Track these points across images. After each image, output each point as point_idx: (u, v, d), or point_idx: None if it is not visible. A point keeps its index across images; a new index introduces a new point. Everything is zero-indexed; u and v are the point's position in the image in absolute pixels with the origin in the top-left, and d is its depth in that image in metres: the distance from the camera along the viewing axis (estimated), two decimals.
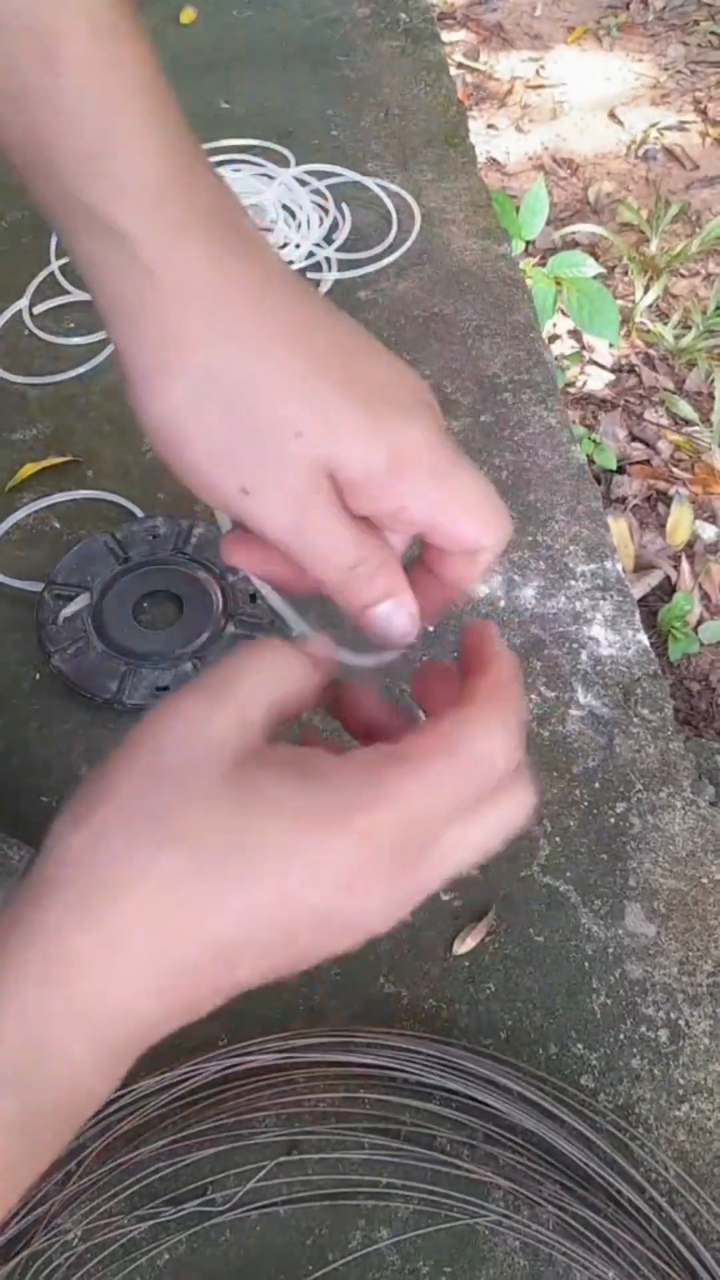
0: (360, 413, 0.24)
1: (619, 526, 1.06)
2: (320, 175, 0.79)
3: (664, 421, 1.22)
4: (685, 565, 1.06)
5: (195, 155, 0.25)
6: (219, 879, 0.19)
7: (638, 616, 0.54)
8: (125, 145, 0.24)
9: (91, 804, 0.20)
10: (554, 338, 1.32)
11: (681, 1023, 0.41)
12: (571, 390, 1.26)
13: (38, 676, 0.51)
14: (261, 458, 0.24)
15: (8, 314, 0.69)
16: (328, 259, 0.73)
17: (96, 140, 0.23)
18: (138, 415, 0.25)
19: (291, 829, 0.20)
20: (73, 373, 0.66)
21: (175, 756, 0.20)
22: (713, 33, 1.82)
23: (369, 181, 0.79)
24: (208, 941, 0.19)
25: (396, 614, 0.26)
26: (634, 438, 1.20)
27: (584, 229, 1.43)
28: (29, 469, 0.60)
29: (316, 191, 0.78)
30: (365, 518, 0.25)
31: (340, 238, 0.75)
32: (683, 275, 1.43)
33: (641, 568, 1.06)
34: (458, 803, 0.21)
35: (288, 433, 0.23)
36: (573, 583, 0.56)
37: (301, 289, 0.25)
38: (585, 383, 1.28)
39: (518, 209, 1.04)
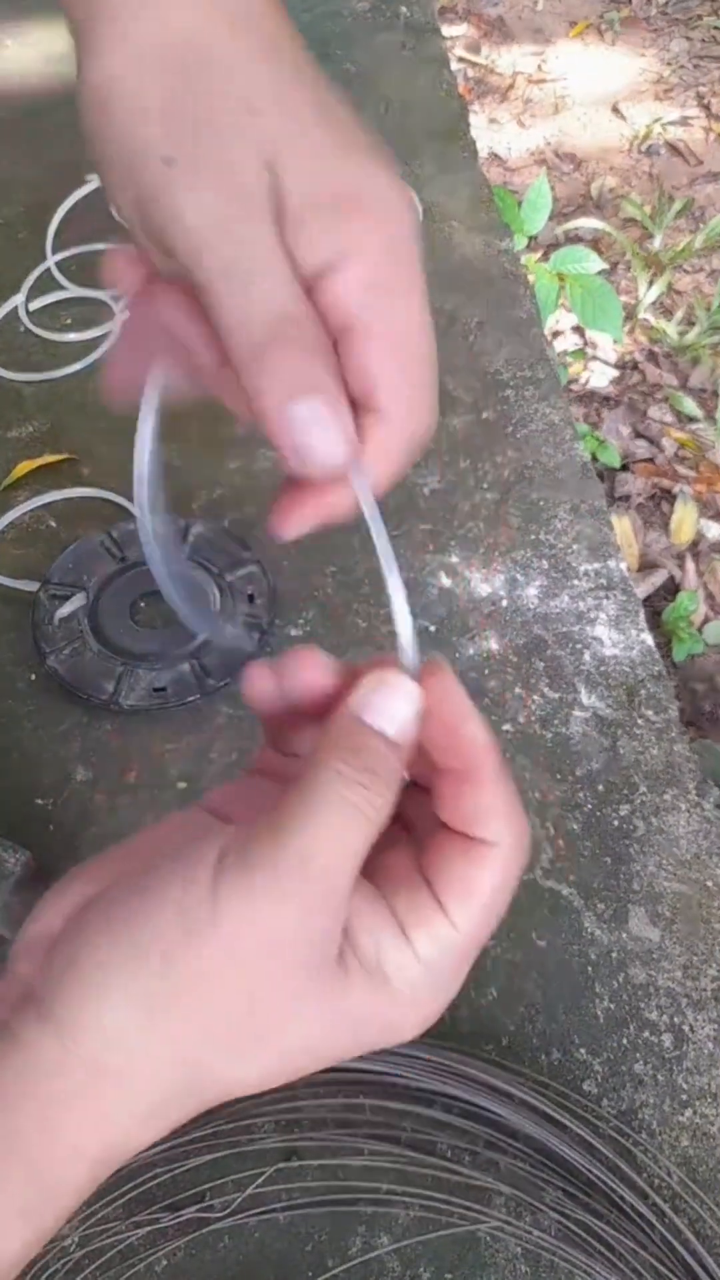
0: (329, 134, 0.20)
1: (623, 525, 1.05)
2: None
3: (668, 419, 1.22)
4: (690, 564, 1.05)
5: None
6: (289, 1064, 0.19)
7: (642, 616, 0.54)
8: None
9: (166, 994, 0.18)
10: (557, 334, 1.31)
11: (685, 1028, 0.41)
12: (575, 387, 1.26)
13: (33, 677, 0.51)
14: (201, 128, 0.19)
15: (4, 310, 0.68)
16: None
17: None
18: (79, 91, 0.20)
19: (370, 1033, 0.20)
20: (69, 369, 0.65)
21: (271, 966, 0.18)
22: (716, 28, 1.81)
23: None
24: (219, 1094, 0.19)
25: (320, 425, 0.19)
26: (638, 435, 1.20)
27: (587, 224, 1.42)
28: (25, 467, 0.60)
29: None
30: None
31: None
32: (686, 271, 1.42)
33: (645, 567, 1.05)
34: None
35: (240, 108, 0.19)
36: (576, 582, 0.55)
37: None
38: (589, 379, 1.27)
39: (520, 204, 1.03)
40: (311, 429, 0.19)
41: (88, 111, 0.20)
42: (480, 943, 0.20)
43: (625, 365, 1.29)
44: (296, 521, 0.22)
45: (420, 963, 0.19)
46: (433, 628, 0.53)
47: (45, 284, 0.69)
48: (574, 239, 1.41)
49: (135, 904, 0.18)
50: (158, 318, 0.20)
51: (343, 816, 0.18)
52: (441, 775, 0.20)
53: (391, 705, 0.19)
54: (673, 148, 1.61)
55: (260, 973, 0.18)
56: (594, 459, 1.10)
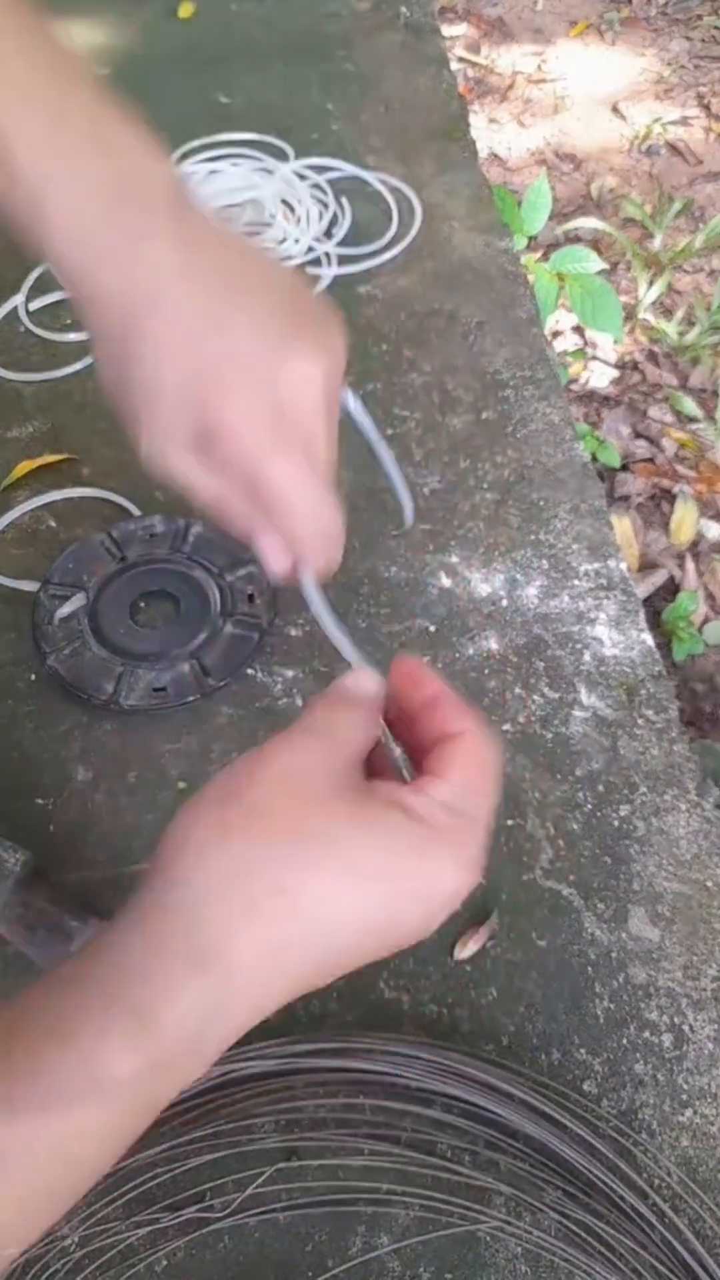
0: (254, 359, 0.29)
1: (623, 525, 1.05)
2: (320, 170, 0.79)
3: (668, 419, 1.22)
4: (690, 564, 1.05)
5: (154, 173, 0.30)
6: (358, 889, 0.24)
7: (642, 616, 0.54)
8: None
9: (237, 818, 0.25)
10: (557, 334, 1.31)
11: (685, 1028, 0.41)
12: (575, 387, 1.26)
13: (33, 677, 0.51)
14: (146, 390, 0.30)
15: (3, 310, 0.68)
16: (327, 254, 0.73)
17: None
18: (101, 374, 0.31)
19: (411, 855, 0.25)
20: (69, 369, 0.65)
21: (306, 785, 0.25)
22: (716, 28, 1.81)
23: (369, 176, 0.78)
24: (341, 946, 0.24)
25: (273, 550, 0.32)
26: (638, 435, 1.20)
27: (587, 224, 1.42)
28: (24, 467, 0.60)
29: (316, 186, 0.77)
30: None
31: (340, 233, 0.74)
32: (686, 271, 1.42)
33: (645, 567, 1.05)
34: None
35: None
36: (576, 582, 0.55)
37: (211, 228, 0.31)
38: (588, 379, 1.27)
39: (520, 204, 1.03)
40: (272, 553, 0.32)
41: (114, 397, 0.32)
42: (488, 796, 0.26)
43: (625, 365, 1.29)
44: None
45: (436, 802, 0.25)
46: (433, 627, 0.53)
47: (45, 284, 0.69)
48: (574, 239, 1.41)
49: (217, 780, 0.26)
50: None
51: (350, 712, 0.27)
52: (417, 717, 0.28)
53: (362, 680, 0.29)
54: (673, 148, 1.61)
55: (301, 791, 0.25)
56: (594, 459, 1.10)
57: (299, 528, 0.30)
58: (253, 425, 0.29)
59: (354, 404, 0.33)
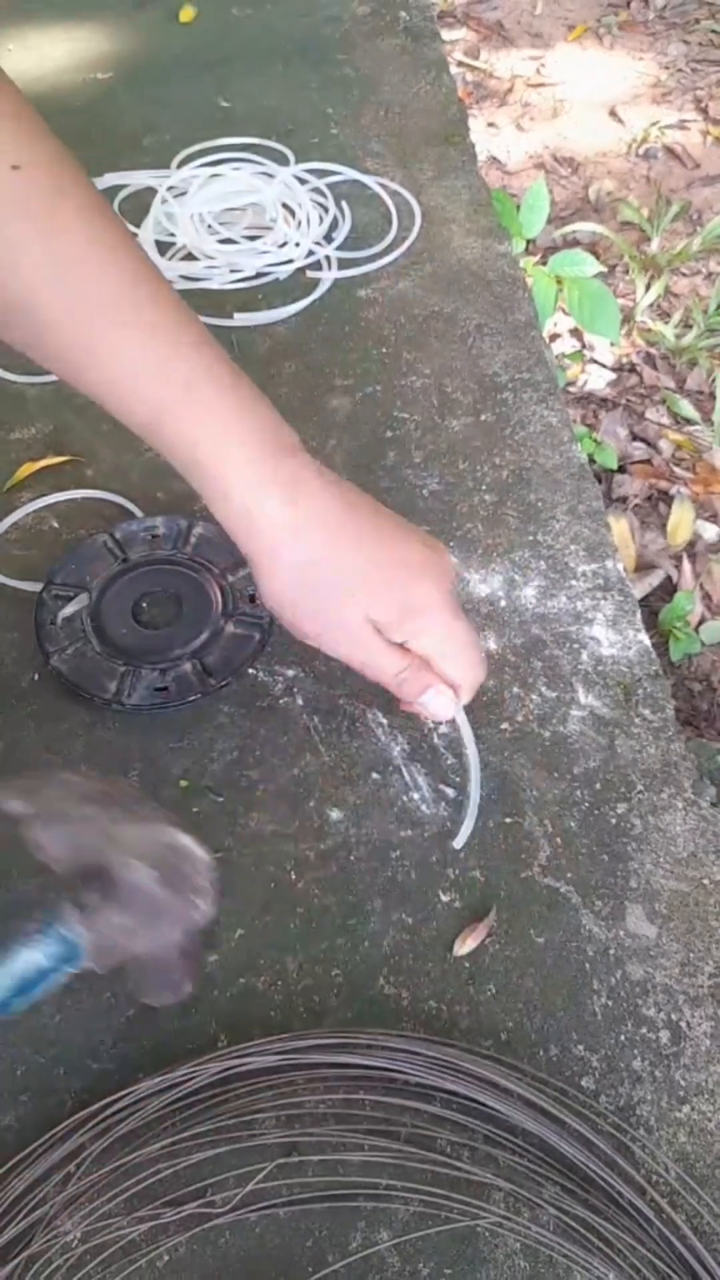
0: (384, 579, 0.40)
1: (620, 526, 1.06)
2: (320, 174, 0.79)
3: (665, 421, 1.22)
4: (686, 565, 1.05)
5: (274, 432, 0.40)
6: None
7: (639, 616, 0.54)
8: (238, 451, 0.39)
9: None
10: (555, 336, 1.32)
11: (683, 1024, 0.41)
12: (572, 389, 1.26)
13: (36, 677, 0.51)
14: (326, 617, 0.40)
15: None
16: (328, 258, 0.73)
17: (224, 449, 0.39)
18: (259, 590, 0.41)
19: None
20: None
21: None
22: (713, 31, 1.82)
23: (369, 180, 0.79)
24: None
25: (435, 699, 0.42)
26: (635, 437, 1.20)
27: (585, 228, 1.43)
28: (28, 468, 0.60)
29: (316, 190, 0.78)
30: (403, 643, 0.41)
31: (340, 236, 0.75)
32: (684, 274, 1.43)
33: (642, 567, 1.05)
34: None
35: (340, 602, 0.39)
36: (573, 582, 0.55)
37: (337, 488, 0.40)
38: (586, 382, 1.28)
39: (518, 207, 1.03)
40: (434, 704, 0.43)
41: (273, 610, 0.42)
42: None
43: (623, 368, 1.29)
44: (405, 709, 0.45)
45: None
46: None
47: None
48: (572, 242, 1.42)
49: None
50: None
51: None
52: None
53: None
54: (670, 151, 1.62)
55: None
56: (591, 460, 1.10)
57: (459, 683, 0.42)
58: (356, 655, 0.41)
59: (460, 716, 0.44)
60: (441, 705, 0.42)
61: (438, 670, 0.41)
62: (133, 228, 0.75)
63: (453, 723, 0.45)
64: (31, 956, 0.27)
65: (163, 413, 0.37)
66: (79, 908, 0.27)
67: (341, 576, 0.39)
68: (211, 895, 0.29)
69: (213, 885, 0.30)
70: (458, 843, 0.44)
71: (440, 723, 0.44)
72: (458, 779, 0.48)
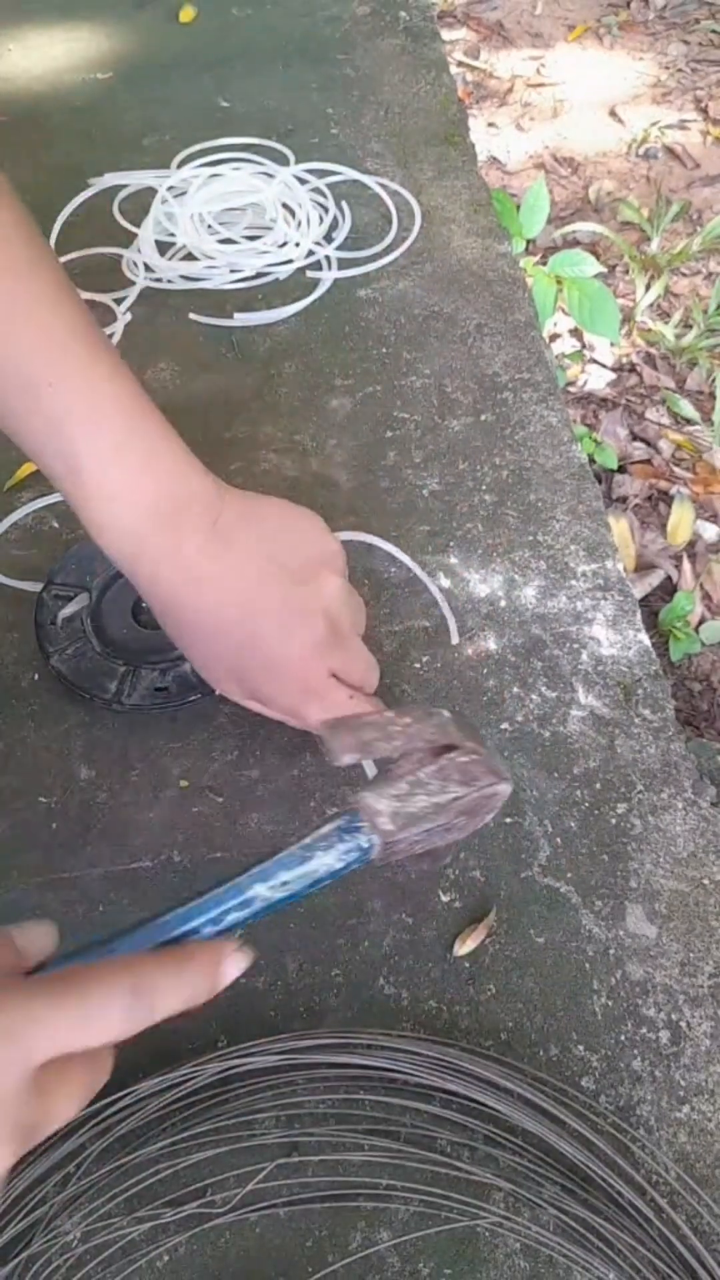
0: (307, 609, 0.40)
1: (620, 526, 1.05)
2: (320, 174, 0.79)
3: (665, 421, 1.22)
4: (686, 565, 1.05)
5: (181, 496, 0.39)
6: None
7: (639, 616, 0.54)
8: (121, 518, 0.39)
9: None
10: (555, 337, 1.32)
11: (683, 1024, 0.41)
12: (572, 389, 1.26)
13: (36, 676, 0.51)
14: (278, 667, 0.41)
15: None
16: (327, 258, 0.73)
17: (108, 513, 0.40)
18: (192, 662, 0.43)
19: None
20: None
21: None
22: (714, 31, 1.82)
23: (369, 180, 0.79)
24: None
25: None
26: (635, 437, 1.20)
27: (585, 228, 1.43)
28: (28, 468, 0.60)
29: (316, 190, 0.78)
30: None
31: (340, 236, 0.75)
32: (684, 274, 1.43)
33: (642, 567, 1.05)
34: None
35: (284, 639, 0.40)
36: (573, 582, 0.55)
37: (234, 517, 0.40)
38: (586, 382, 1.28)
39: (518, 207, 1.03)
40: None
41: (212, 677, 0.43)
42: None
43: (623, 368, 1.29)
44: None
45: None
46: (429, 624, 0.53)
47: None
48: (572, 242, 1.42)
49: None
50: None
51: None
52: None
53: None
54: (670, 151, 1.61)
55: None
56: (591, 460, 1.10)
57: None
58: (284, 688, 0.40)
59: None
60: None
61: (342, 680, 0.42)
62: (132, 227, 0.75)
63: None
64: (327, 860, 0.30)
65: (60, 475, 0.38)
66: (380, 830, 0.30)
67: (225, 641, 0.39)
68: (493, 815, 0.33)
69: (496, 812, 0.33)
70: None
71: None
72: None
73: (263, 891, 0.29)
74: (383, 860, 0.30)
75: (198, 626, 0.40)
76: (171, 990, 0.25)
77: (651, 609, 1.00)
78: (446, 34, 1.77)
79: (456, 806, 0.32)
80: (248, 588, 0.39)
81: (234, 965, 0.27)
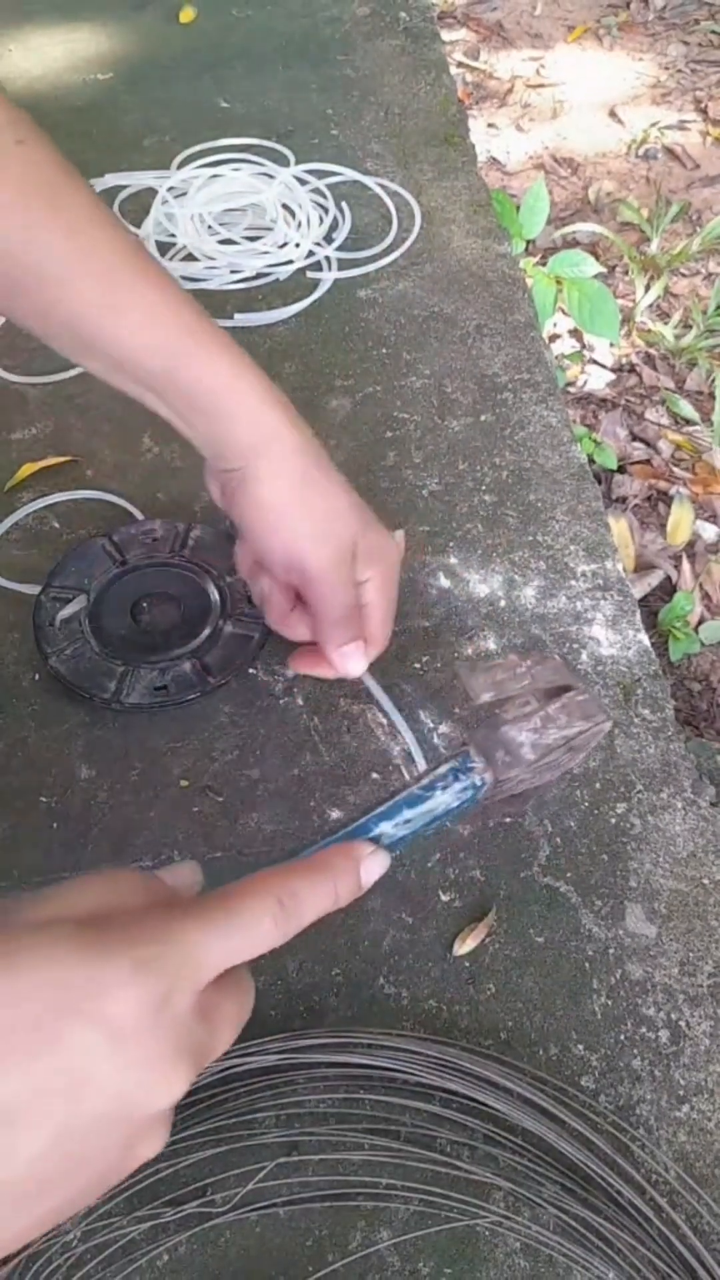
0: (364, 519, 0.43)
1: (619, 526, 1.06)
2: (320, 174, 0.79)
3: (665, 421, 1.22)
4: (686, 565, 1.05)
5: (276, 396, 0.41)
6: None
7: (638, 616, 0.54)
8: (251, 373, 0.41)
9: None
10: (554, 337, 1.32)
11: (682, 1024, 0.41)
12: (572, 390, 1.26)
13: (36, 677, 0.51)
14: (325, 525, 0.41)
15: None
16: (328, 258, 0.73)
17: (240, 370, 0.41)
18: (249, 501, 0.41)
19: None
20: (72, 372, 0.66)
21: None
22: (713, 32, 1.82)
23: (369, 180, 0.79)
24: None
25: (355, 651, 0.43)
26: (635, 437, 1.20)
27: (584, 228, 1.43)
28: (28, 469, 0.60)
29: (316, 190, 0.78)
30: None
31: (340, 237, 0.75)
32: (683, 274, 1.43)
33: (642, 567, 1.05)
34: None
35: (340, 516, 0.42)
36: (573, 582, 0.55)
37: (325, 468, 0.42)
38: (586, 382, 1.28)
39: (518, 208, 1.04)
40: (353, 657, 0.44)
41: (256, 521, 0.41)
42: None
43: (622, 368, 1.29)
44: (309, 669, 0.46)
45: None
46: (431, 627, 0.53)
47: None
48: (571, 243, 1.42)
49: None
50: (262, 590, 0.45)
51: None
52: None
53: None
54: (670, 152, 1.62)
55: None
56: (591, 461, 1.10)
57: (374, 634, 0.44)
58: (335, 570, 0.41)
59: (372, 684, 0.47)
60: (358, 660, 0.44)
61: (365, 620, 0.43)
62: (133, 228, 0.75)
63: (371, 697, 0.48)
64: (444, 799, 0.32)
65: (177, 355, 0.39)
66: (493, 764, 0.33)
67: (339, 497, 0.42)
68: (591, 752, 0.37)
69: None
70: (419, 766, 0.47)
71: (346, 677, 0.45)
72: None
73: (388, 829, 0.31)
74: (488, 799, 0.33)
75: (269, 489, 0.41)
76: (315, 896, 0.26)
77: (651, 609, 1.00)
78: (446, 34, 1.77)
79: (572, 742, 0.34)
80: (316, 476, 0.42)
81: (374, 865, 0.28)
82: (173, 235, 0.74)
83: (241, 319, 0.69)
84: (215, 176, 0.77)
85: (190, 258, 0.73)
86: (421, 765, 0.46)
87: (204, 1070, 0.35)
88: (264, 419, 0.40)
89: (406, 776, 0.46)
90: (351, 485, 0.43)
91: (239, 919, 0.24)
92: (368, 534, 0.42)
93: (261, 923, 0.24)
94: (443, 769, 0.33)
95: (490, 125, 1.67)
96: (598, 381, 1.27)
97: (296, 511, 0.41)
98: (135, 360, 0.39)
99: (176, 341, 0.39)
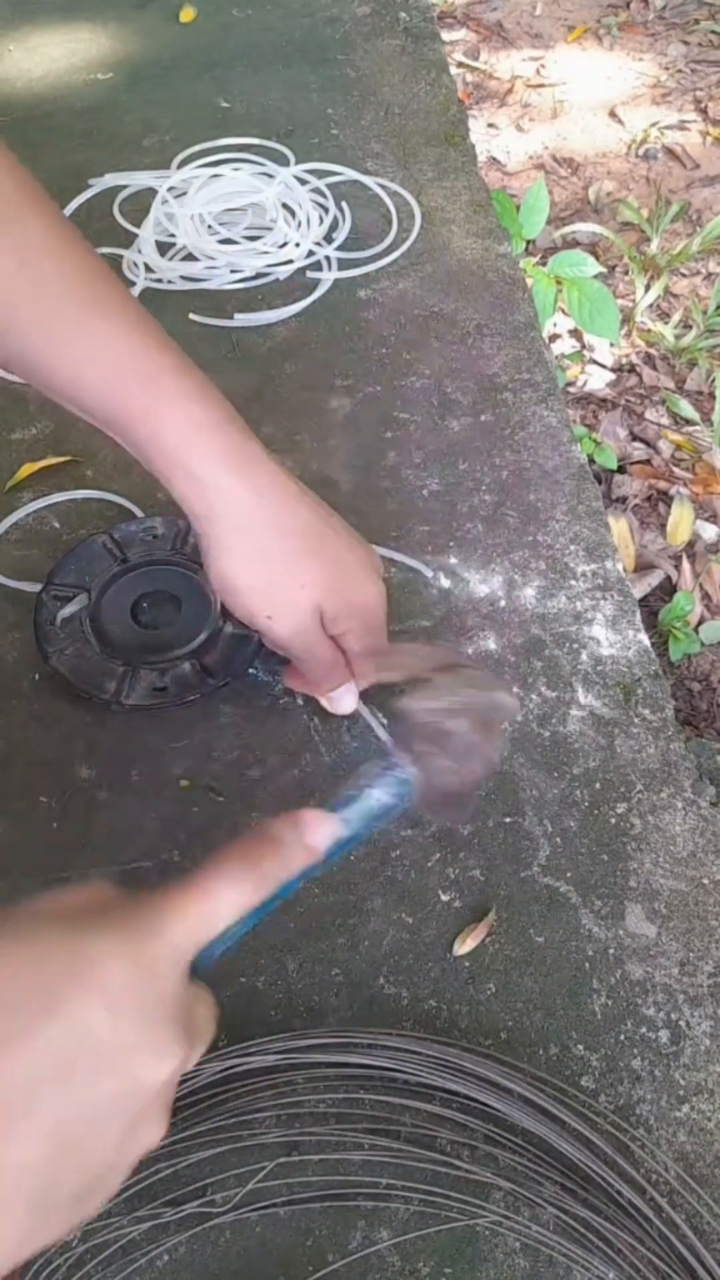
0: (333, 572, 0.41)
1: (620, 526, 1.06)
2: (320, 174, 0.79)
3: (665, 421, 1.22)
4: (686, 565, 1.05)
5: (239, 435, 0.40)
6: None
7: (638, 616, 0.54)
8: (204, 435, 0.39)
9: None
10: (554, 337, 1.32)
11: (682, 1023, 0.41)
12: (572, 390, 1.26)
13: (36, 677, 0.51)
14: (281, 599, 0.40)
15: None
16: (328, 258, 0.73)
17: (189, 432, 0.39)
18: (209, 570, 0.41)
19: None
20: None
21: None
22: (713, 32, 1.82)
23: (369, 180, 0.79)
24: None
25: (345, 695, 0.46)
26: (635, 437, 1.20)
27: (584, 228, 1.43)
28: (28, 469, 0.60)
29: (316, 190, 0.78)
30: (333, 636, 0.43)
31: (340, 237, 0.75)
32: (683, 274, 1.43)
33: (642, 567, 1.05)
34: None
35: (297, 585, 0.40)
36: (573, 582, 0.55)
37: (288, 476, 0.41)
38: (586, 382, 1.28)
39: (518, 208, 1.03)
40: (342, 700, 0.47)
41: (219, 589, 0.42)
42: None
43: (622, 368, 1.29)
44: (301, 689, 0.48)
45: None
46: (429, 624, 0.53)
47: None
48: (571, 243, 1.42)
49: None
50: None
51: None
52: None
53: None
54: (670, 152, 1.62)
55: None
56: (591, 461, 1.10)
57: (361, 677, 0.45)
58: (299, 639, 0.42)
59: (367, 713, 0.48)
60: (348, 702, 0.46)
61: (351, 663, 0.44)
62: (133, 228, 0.75)
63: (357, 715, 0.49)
64: (380, 795, 0.33)
65: (127, 399, 0.37)
66: (413, 754, 0.34)
67: (296, 563, 0.40)
68: (505, 738, 0.38)
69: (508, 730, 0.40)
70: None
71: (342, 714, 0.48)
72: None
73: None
74: (422, 801, 0.33)
75: (230, 556, 0.41)
76: (273, 867, 0.27)
77: (651, 609, 1.00)
78: (446, 34, 1.77)
79: (472, 712, 0.35)
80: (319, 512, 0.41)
81: (317, 829, 0.29)
82: (173, 235, 0.74)
83: (241, 319, 0.69)
84: (215, 176, 0.77)
85: (190, 257, 0.73)
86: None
87: (197, 1065, 0.35)
88: (218, 481, 0.38)
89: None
90: (330, 514, 0.41)
91: (200, 897, 0.25)
92: (338, 593, 0.41)
93: (225, 900, 0.25)
94: (369, 767, 0.34)
95: (490, 125, 1.67)
96: (598, 381, 1.27)
97: (251, 587, 0.40)
98: (85, 397, 0.38)
99: (126, 380, 0.37)
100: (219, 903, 0.25)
